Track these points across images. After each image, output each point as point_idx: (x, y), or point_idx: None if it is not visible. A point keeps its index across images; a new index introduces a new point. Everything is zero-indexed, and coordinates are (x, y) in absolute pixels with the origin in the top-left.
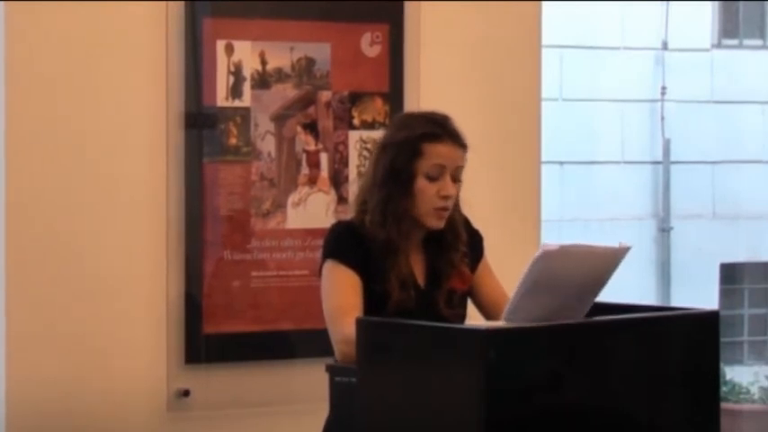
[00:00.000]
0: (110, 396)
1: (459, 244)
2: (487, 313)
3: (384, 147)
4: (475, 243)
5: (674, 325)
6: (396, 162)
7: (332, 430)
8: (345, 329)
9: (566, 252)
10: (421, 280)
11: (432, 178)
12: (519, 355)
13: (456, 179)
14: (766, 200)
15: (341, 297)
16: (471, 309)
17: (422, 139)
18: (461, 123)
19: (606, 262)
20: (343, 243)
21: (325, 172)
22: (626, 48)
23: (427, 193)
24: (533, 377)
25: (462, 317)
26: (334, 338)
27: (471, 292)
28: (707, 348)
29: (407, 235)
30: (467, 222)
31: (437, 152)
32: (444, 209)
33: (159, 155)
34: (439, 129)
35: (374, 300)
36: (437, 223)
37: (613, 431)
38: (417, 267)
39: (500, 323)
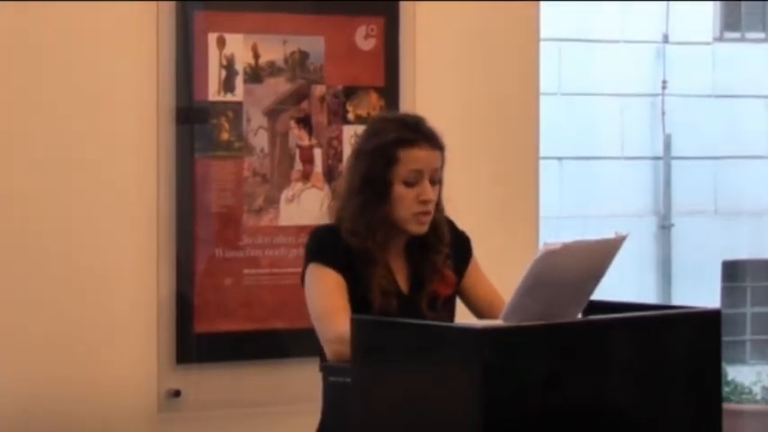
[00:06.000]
0: (100, 396)
1: (441, 246)
2: (481, 315)
3: (357, 154)
4: (461, 245)
5: (675, 324)
6: (371, 171)
7: (326, 431)
8: (339, 328)
9: (567, 250)
10: (404, 286)
11: (410, 184)
12: (516, 354)
13: (434, 181)
14: None
15: (330, 297)
16: (464, 310)
17: (396, 145)
18: (457, 119)
19: (604, 253)
20: (325, 246)
21: (318, 167)
22: (626, 41)
23: (406, 200)
24: (531, 377)
25: (449, 320)
26: (326, 337)
27: (463, 295)
28: (708, 348)
29: (386, 243)
30: (451, 224)
31: (413, 157)
32: (425, 213)
33: (150, 150)
34: (412, 133)
35: (356, 305)
36: (419, 228)
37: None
38: (400, 274)
39: (497, 322)
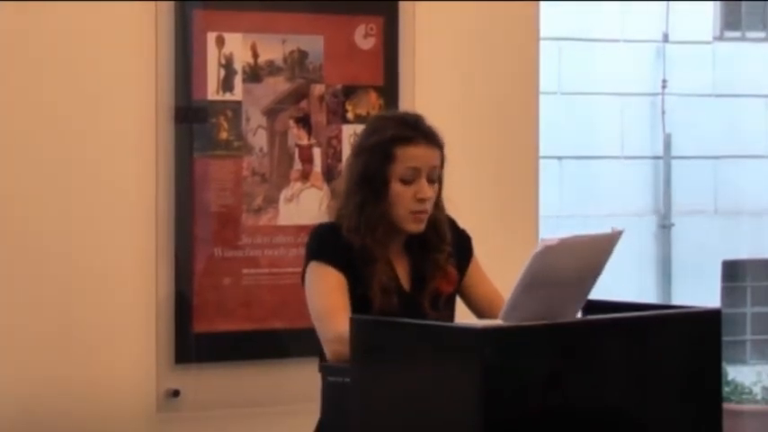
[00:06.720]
0: (98, 396)
1: (443, 245)
2: (481, 314)
3: (356, 152)
4: (462, 243)
5: (674, 324)
6: (368, 168)
7: (324, 431)
8: (339, 327)
9: (565, 245)
10: (406, 283)
11: (407, 182)
12: (516, 354)
13: (433, 180)
14: None
15: (330, 297)
16: (464, 310)
17: (393, 142)
18: (457, 118)
19: (601, 249)
20: (326, 244)
21: (318, 167)
22: (626, 40)
23: (403, 197)
24: (531, 376)
25: (450, 318)
26: (326, 337)
27: (463, 294)
28: (708, 348)
29: (385, 241)
30: (452, 223)
31: (410, 155)
32: (422, 212)
33: (148, 150)
34: (411, 131)
35: (357, 303)
36: (415, 227)
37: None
38: (401, 271)
39: (497, 322)
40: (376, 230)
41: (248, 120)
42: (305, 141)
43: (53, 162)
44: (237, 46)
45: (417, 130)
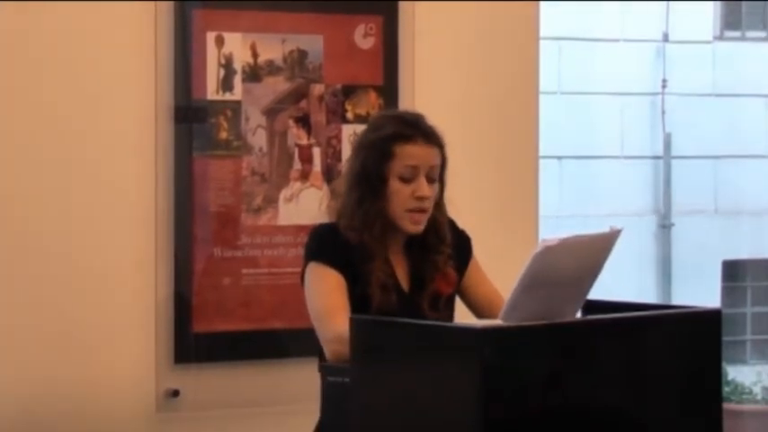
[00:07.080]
0: (98, 396)
1: (442, 246)
2: (481, 314)
3: (357, 149)
4: (461, 244)
5: (674, 324)
6: (367, 165)
7: (324, 431)
8: (338, 327)
9: (565, 245)
10: (405, 284)
11: (405, 180)
12: (515, 354)
13: (432, 179)
14: None
15: (329, 297)
16: (464, 311)
17: (392, 140)
18: (457, 118)
19: (600, 248)
20: (325, 245)
21: (317, 167)
22: (626, 39)
23: (401, 195)
24: (531, 376)
25: (449, 319)
26: (326, 337)
27: (463, 295)
28: (708, 348)
29: (383, 239)
30: (452, 224)
31: (408, 153)
32: (419, 210)
33: (148, 149)
34: (410, 129)
35: (357, 303)
36: (413, 227)
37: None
38: (401, 271)
39: (497, 322)
40: (373, 227)
41: (248, 119)
42: (304, 141)
43: (53, 162)
44: (237, 46)
45: (417, 129)
